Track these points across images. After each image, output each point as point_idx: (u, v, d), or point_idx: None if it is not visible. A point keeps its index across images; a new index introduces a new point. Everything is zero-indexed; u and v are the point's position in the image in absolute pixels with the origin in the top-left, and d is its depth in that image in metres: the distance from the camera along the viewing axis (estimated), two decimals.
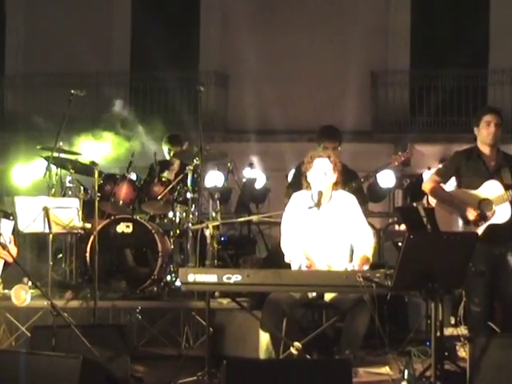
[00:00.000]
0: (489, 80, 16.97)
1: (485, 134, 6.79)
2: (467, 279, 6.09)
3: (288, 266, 6.46)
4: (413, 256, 5.40)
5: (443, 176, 6.98)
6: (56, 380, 5.38)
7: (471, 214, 6.66)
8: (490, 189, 6.68)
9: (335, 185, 6.51)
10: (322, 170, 6.43)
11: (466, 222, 6.72)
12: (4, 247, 5.95)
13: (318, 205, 6.35)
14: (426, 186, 7.07)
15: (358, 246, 6.34)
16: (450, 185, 7.06)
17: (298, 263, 6.25)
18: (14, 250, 6.01)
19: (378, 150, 16.05)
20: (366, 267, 6.15)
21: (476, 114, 7.06)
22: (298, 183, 7.72)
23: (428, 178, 7.38)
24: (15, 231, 6.39)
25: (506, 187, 6.64)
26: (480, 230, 6.60)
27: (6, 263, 6.43)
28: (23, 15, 18.13)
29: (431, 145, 16.19)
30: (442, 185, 6.97)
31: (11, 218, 6.04)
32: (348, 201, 6.54)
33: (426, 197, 10.75)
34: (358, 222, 6.48)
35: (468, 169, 6.83)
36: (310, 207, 6.35)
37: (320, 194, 6.37)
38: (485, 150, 6.85)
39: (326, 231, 6.38)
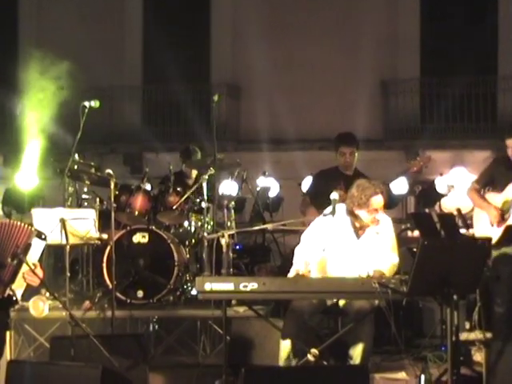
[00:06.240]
0: (498, 86, 17.01)
1: (509, 153, 7.11)
2: (486, 283, 6.21)
3: None
4: (428, 262, 5.42)
5: (480, 183, 7.32)
6: None
7: (492, 215, 6.98)
8: (511, 190, 6.96)
9: None
10: (379, 208, 6.41)
11: (491, 223, 7.01)
12: (34, 267, 5.87)
13: (333, 213, 6.36)
14: (467, 192, 7.44)
15: (377, 263, 6.36)
16: None
17: (294, 271, 6.32)
18: (40, 274, 5.95)
19: (390, 158, 16.11)
20: None
21: None
22: (315, 192, 7.81)
23: (469, 185, 7.65)
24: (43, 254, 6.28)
25: None
26: (500, 231, 6.89)
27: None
28: (36, 30, 18.27)
29: (442, 151, 16.22)
30: (478, 190, 7.29)
31: (43, 236, 5.94)
32: (384, 225, 6.53)
33: (438, 203, 10.81)
34: (386, 245, 6.47)
35: (502, 175, 7.14)
36: (326, 214, 6.37)
37: (334, 201, 6.38)
38: None
39: (360, 258, 6.37)
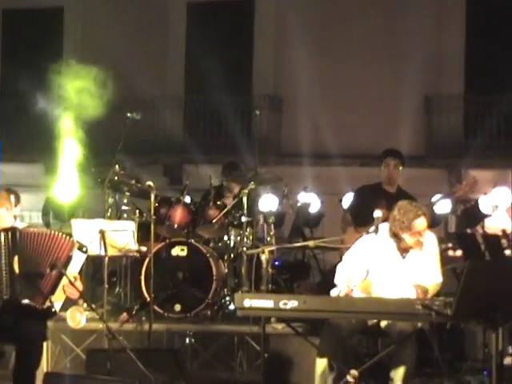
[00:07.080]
0: None
1: None
2: None
3: None
4: (473, 285, 5.26)
5: None
6: None
7: None
8: None
9: None
10: (422, 230, 6.24)
11: None
12: (74, 280, 5.83)
13: (376, 231, 6.27)
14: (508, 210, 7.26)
15: (420, 280, 6.22)
16: None
17: (337, 290, 6.18)
18: (80, 287, 5.91)
19: (431, 176, 15.93)
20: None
21: None
22: (357, 208, 7.72)
23: None
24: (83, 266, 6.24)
25: None
26: None
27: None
28: (80, 43, 18.39)
29: (485, 170, 15.96)
30: None
31: (84, 249, 5.90)
32: (429, 243, 6.39)
33: (481, 223, 10.61)
34: (430, 263, 6.33)
35: None
36: (369, 233, 6.28)
37: (378, 220, 6.29)
38: None
39: (407, 278, 6.24)
